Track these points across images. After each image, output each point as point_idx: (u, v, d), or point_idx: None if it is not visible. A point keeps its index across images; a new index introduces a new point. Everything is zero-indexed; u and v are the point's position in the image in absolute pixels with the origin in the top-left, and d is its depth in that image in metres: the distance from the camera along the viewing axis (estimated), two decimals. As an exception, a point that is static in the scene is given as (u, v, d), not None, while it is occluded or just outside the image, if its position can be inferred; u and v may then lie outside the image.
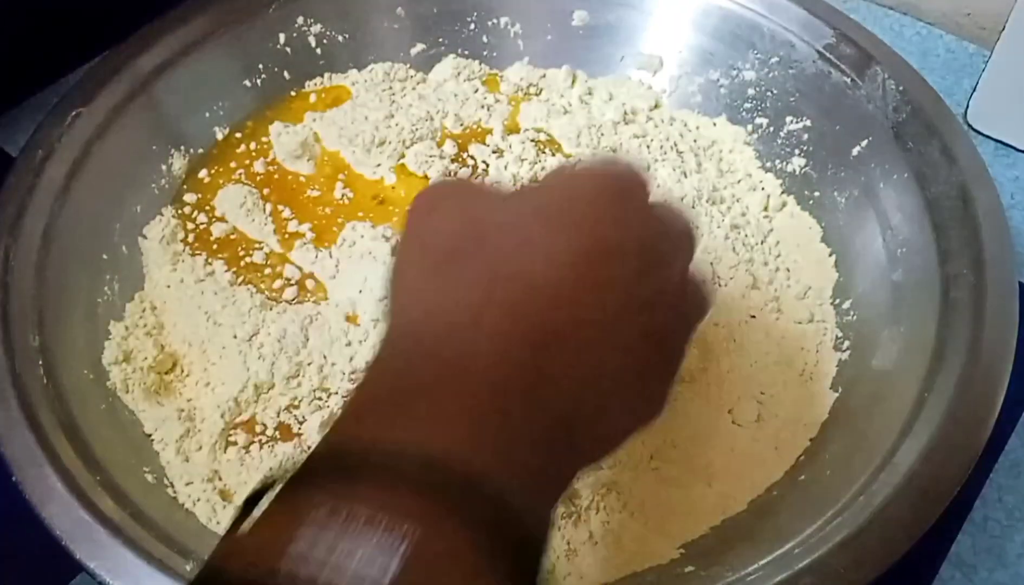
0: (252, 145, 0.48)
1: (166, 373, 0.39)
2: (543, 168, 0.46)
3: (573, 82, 0.51)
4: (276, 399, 0.38)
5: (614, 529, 0.34)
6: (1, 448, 0.32)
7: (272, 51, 0.49)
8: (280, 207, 0.45)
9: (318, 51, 0.50)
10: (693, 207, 0.44)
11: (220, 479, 0.36)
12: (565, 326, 0.22)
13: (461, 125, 0.49)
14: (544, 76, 0.51)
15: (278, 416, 0.38)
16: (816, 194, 0.45)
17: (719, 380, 0.38)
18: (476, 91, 0.50)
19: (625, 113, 0.48)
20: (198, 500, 0.35)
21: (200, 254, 0.43)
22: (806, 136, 0.46)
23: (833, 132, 0.45)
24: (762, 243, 0.43)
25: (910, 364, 0.35)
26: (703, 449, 0.37)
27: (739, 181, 0.46)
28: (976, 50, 0.54)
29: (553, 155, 0.47)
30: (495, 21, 0.51)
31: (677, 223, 0.26)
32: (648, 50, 0.50)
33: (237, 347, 0.39)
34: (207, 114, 0.47)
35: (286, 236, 0.44)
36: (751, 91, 0.48)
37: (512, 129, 0.49)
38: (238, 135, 0.48)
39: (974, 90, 0.51)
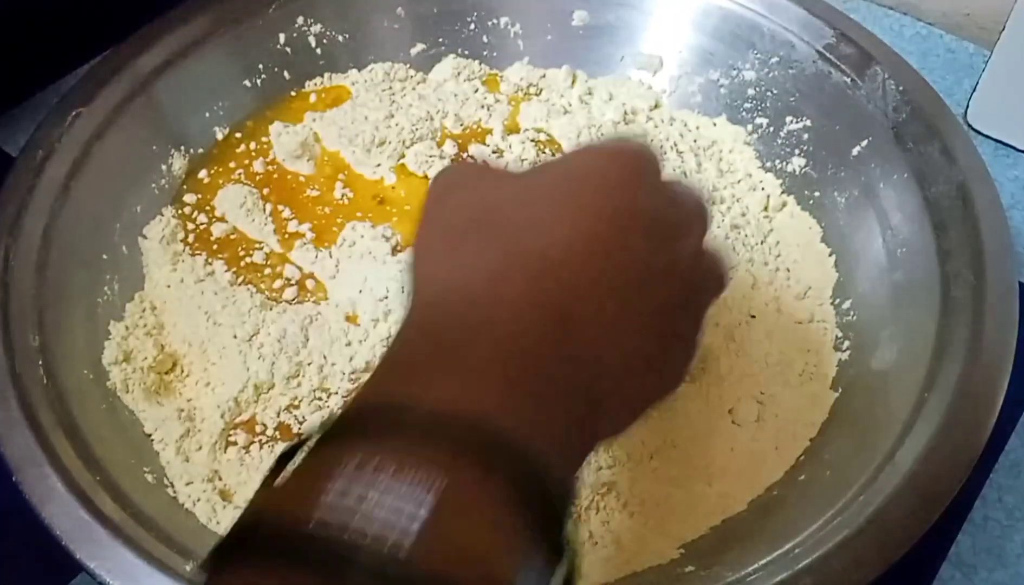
0: (252, 145, 0.48)
1: (166, 373, 0.39)
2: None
3: (573, 82, 0.51)
4: (276, 399, 0.38)
5: (614, 529, 0.34)
6: (1, 448, 0.32)
7: (272, 51, 0.49)
8: (280, 207, 0.45)
9: (318, 51, 0.50)
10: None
11: (220, 479, 0.36)
12: (582, 296, 0.23)
13: (461, 125, 0.49)
14: (544, 76, 0.51)
15: (278, 416, 0.38)
16: (816, 194, 0.45)
17: (719, 380, 0.38)
18: (476, 91, 0.50)
19: (625, 113, 0.48)
20: (198, 500, 0.35)
21: (200, 254, 0.43)
22: (806, 136, 0.46)
23: (833, 132, 0.45)
24: (762, 243, 0.44)
25: (910, 364, 0.35)
26: (703, 449, 0.37)
27: (739, 181, 0.46)
28: (976, 50, 0.54)
29: (553, 155, 0.47)
30: (495, 21, 0.51)
31: (690, 198, 0.26)
32: (648, 50, 0.50)
33: (237, 347, 0.39)
34: (207, 114, 0.47)
35: (286, 236, 0.44)
36: (751, 91, 0.48)
37: (512, 129, 0.49)
38: (238, 135, 0.48)
39: (974, 90, 0.51)
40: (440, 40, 0.51)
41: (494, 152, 0.47)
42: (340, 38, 0.50)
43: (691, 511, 0.35)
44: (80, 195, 0.41)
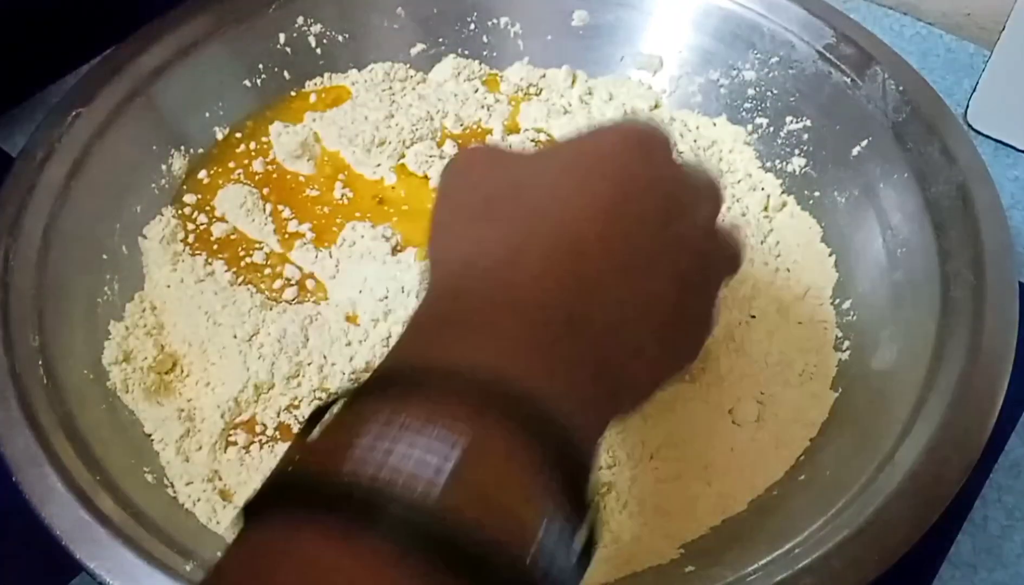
0: (252, 145, 0.48)
1: (166, 373, 0.39)
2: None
3: (573, 82, 0.51)
4: (276, 399, 0.38)
5: (614, 529, 0.34)
6: (1, 448, 0.32)
7: (272, 51, 0.49)
8: (280, 207, 0.45)
9: (318, 51, 0.50)
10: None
11: (220, 479, 0.36)
12: (599, 265, 0.23)
13: (461, 125, 0.49)
14: (544, 76, 0.51)
15: (278, 416, 0.38)
16: (816, 194, 0.45)
17: (719, 380, 0.38)
18: (476, 91, 0.50)
19: (625, 113, 0.48)
20: (198, 500, 0.35)
21: (200, 254, 0.43)
22: (806, 136, 0.46)
23: (833, 132, 0.45)
24: (762, 243, 0.43)
25: (910, 364, 0.35)
26: (703, 449, 0.37)
27: (739, 181, 0.46)
28: (976, 50, 0.54)
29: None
30: (495, 21, 0.51)
31: (701, 175, 0.27)
32: (648, 50, 0.50)
33: (237, 347, 0.39)
34: (207, 114, 0.47)
35: (286, 236, 0.44)
36: (751, 91, 0.48)
37: (512, 129, 0.49)
38: (238, 135, 0.48)
39: (974, 90, 0.51)
40: (440, 40, 0.51)
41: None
42: (340, 38, 0.50)
43: (691, 511, 0.35)
44: (80, 195, 0.41)
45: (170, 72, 0.46)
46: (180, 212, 0.45)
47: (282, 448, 0.37)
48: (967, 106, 0.51)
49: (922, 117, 0.41)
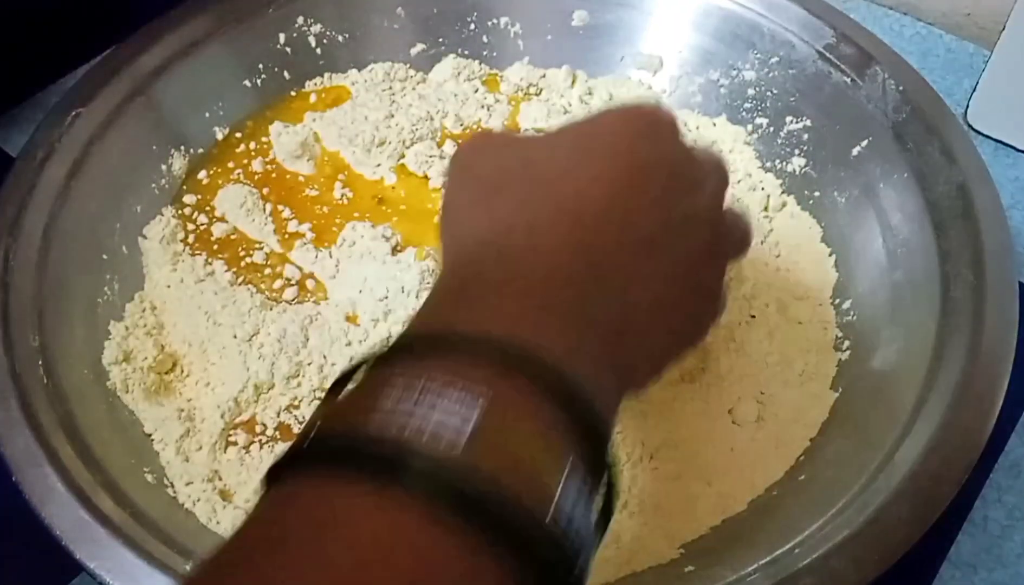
0: (252, 145, 0.48)
1: (166, 373, 0.39)
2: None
3: (573, 82, 0.51)
4: (276, 399, 0.38)
5: (614, 529, 0.34)
6: (1, 448, 0.32)
7: (272, 51, 0.49)
8: (280, 207, 0.45)
9: (318, 51, 0.50)
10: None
11: (220, 479, 0.36)
12: (611, 238, 0.24)
13: (461, 125, 0.49)
14: (544, 76, 0.51)
15: (278, 416, 0.38)
16: (816, 194, 0.45)
17: (719, 380, 0.38)
18: (476, 91, 0.50)
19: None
20: (198, 500, 0.35)
21: (200, 254, 0.43)
22: (806, 136, 0.46)
23: (833, 132, 0.45)
24: (762, 243, 0.43)
25: (910, 364, 0.35)
26: (703, 449, 0.37)
27: (739, 181, 0.46)
28: (976, 50, 0.54)
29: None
30: (495, 21, 0.51)
31: (707, 155, 0.28)
32: (648, 50, 0.50)
33: (237, 347, 0.39)
34: (207, 114, 0.47)
35: (286, 236, 0.44)
36: (751, 91, 0.48)
37: (512, 129, 0.49)
38: (238, 135, 0.48)
39: (974, 90, 0.51)
40: (440, 40, 0.51)
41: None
42: (340, 38, 0.50)
43: (691, 511, 0.35)
44: (80, 195, 0.41)
45: (170, 72, 0.46)
46: (180, 212, 0.45)
47: (282, 448, 0.37)
48: (967, 106, 0.51)
49: (922, 117, 0.41)
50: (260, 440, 0.37)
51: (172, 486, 0.36)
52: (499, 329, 0.21)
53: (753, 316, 0.40)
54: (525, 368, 0.20)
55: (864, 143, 0.43)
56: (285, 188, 0.46)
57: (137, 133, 0.44)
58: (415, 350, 0.21)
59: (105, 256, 0.41)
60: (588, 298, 0.23)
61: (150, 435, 0.37)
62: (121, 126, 0.43)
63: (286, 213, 0.45)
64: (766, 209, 0.45)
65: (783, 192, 0.46)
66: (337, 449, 0.19)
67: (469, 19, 0.51)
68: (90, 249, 0.41)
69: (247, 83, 0.49)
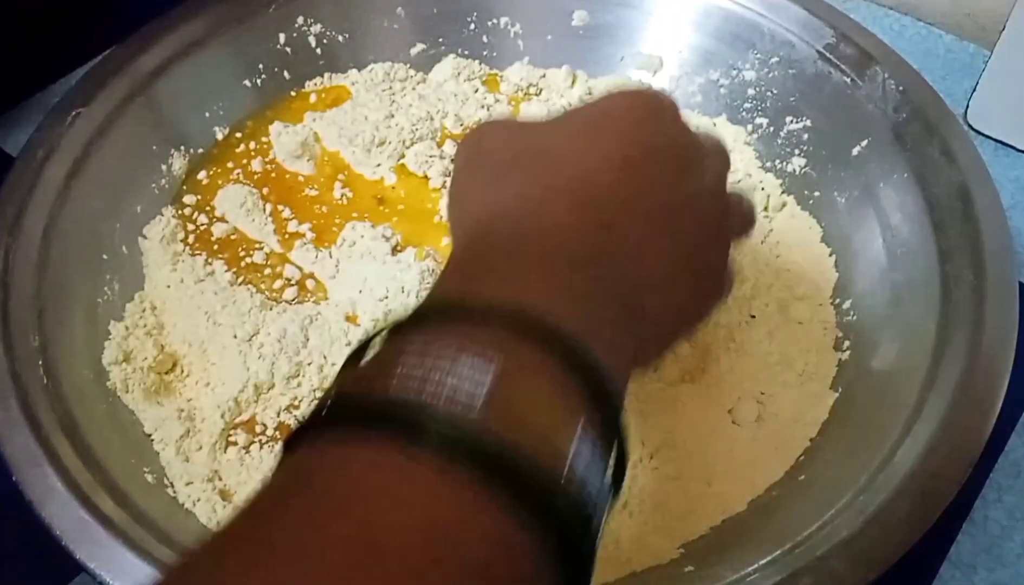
0: (252, 145, 0.48)
1: (166, 373, 0.39)
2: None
3: (573, 82, 0.51)
4: (276, 399, 0.38)
5: (614, 529, 0.34)
6: (1, 448, 0.32)
7: (272, 51, 0.49)
8: (280, 207, 0.45)
9: (318, 51, 0.50)
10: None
11: (220, 479, 0.36)
12: (618, 214, 0.24)
13: (461, 125, 0.49)
14: (544, 76, 0.51)
15: (278, 416, 0.38)
16: (816, 194, 0.45)
17: (719, 380, 0.38)
18: (476, 91, 0.50)
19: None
20: (198, 500, 0.35)
21: (200, 254, 0.43)
22: (806, 136, 0.46)
23: (833, 132, 0.45)
24: (762, 243, 0.43)
25: (910, 364, 0.35)
26: (703, 449, 0.37)
27: (739, 181, 0.46)
28: (976, 50, 0.54)
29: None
30: (495, 21, 0.51)
31: (707, 137, 0.29)
32: (648, 50, 0.50)
33: (237, 347, 0.39)
34: (207, 114, 0.47)
35: (286, 236, 0.44)
36: (751, 91, 0.48)
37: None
38: (238, 135, 0.48)
39: (974, 90, 0.51)
40: (440, 40, 0.51)
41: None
42: (340, 38, 0.50)
43: (691, 511, 0.35)
44: (80, 195, 0.41)
45: (170, 72, 0.46)
46: (180, 212, 0.45)
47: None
48: (967, 106, 0.51)
49: (922, 117, 0.41)
50: (260, 440, 0.37)
51: (172, 486, 0.36)
52: (510, 298, 0.22)
53: (753, 316, 0.40)
54: (535, 334, 0.20)
55: (864, 143, 0.43)
56: (285, 188, 0.46)
57: (137, 133, 0.44)
58: (429, 320, 0.21)
59: (105, 256, 0.41)
60: (597, 272, 0.23)
61: (150, 435, 0.37)
62: (121, 126, 0.43)
63: (286, 213, 0.45)
64: (766, 209, 0.45)
65: (783, 192, 0.46)
66: (356, 412, 0.19)
67: (469, 19, 0.51)
68: (90, 249, 0.41)
69: (247, 83, 0.49)
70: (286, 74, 0.50)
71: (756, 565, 0.30)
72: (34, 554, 0.33)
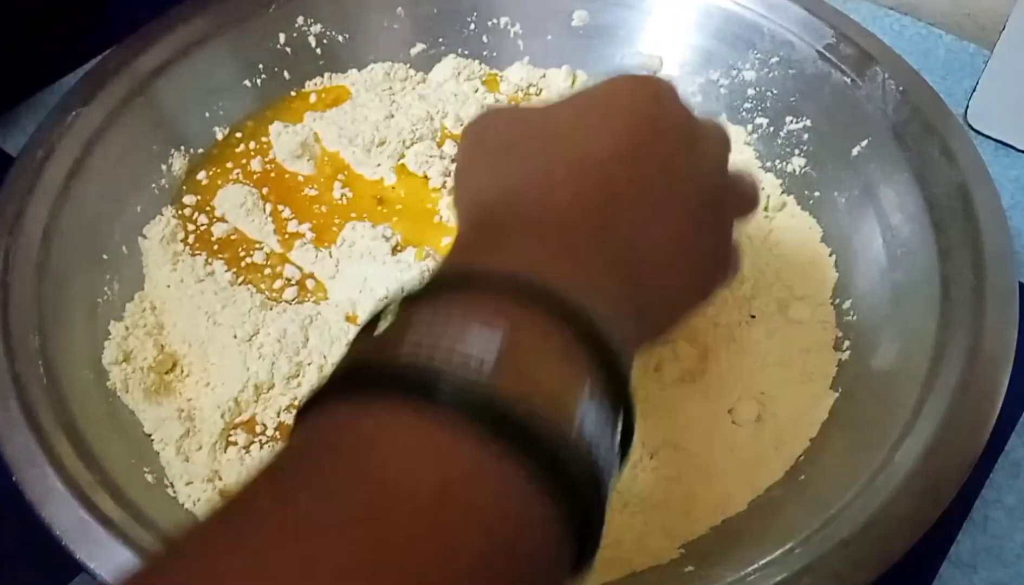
0: (252, 145, 0.48)
1: (166, 373, 0.39)
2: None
3: (573, 82, 0.51)
4: (276, 399, 0.38)
5: (614, 529, 0.34)
6: (1, 448, 0.32)
7: (272, 51, 0.49)
8: (280, 207, 0.45)
9: (318, 51, 0.50)
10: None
11: (220, 479, 0.36)
12: (623, 193, 0.25)
13: (461, 125, 0.49)
14: (544, 76, 0.51)
15: (278, 416, 0.38)
16: (816, 194, 0.45)
17: (719, 380, 0.38)
18: (476, 91, 0.50)
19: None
20: (198, 500, 0.35)
21: (200, 254, 0.43)
22: (806, 136, 0.46)
23: (833, 132, 0.45)
24: (762, 243, 0.43)
25: (910, 364, 0.35)
26: (703, 449, 0.37)
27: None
28: (976, 50, 0.54)
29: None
30: (495, 21, 0.51)
31: (708, 120, 0.29)
32: (648, 50, 0.50)
33: (237, 347, 0.39)
34: (207, 114, 0.47)
35: (286, 236, 0.44)
36: (751, 91, 0.48)
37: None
38: (238, 135, 0.48)
39: (974, 90, 0.51)
40: (440, 40, 0.51)
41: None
42: (340, 38, 0.50)
43: (691, 511, 0.35)
44: (80, 195, 0.41)
45: (170, 72, 0.46)
46: (180, 212, 0.45)
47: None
48: (967, 106, 0.51)
49: (922, 117, 0.41)
50: (260, 440, 0.37)
51: (172, 486, 0.36)
52: (517, 267, 0.22)
53: (753, 316, 0.40)
54: (541, 302, 0.21)
55: (864, 143, 0.43)
56: (285, 188, 0.46)
57: (137, 133, 0.44)
58: (437, 291, 0.22)
59: (105, 256, 0.41)
60: (603, 245, 0.24)
61: (150, 435, 0.37)
62: (121, 126, 0.43)
63: (286, 213, 0.45)
64: (766, 209, 0.45)
65: (783, 192, 0.46)
66: (369, 377, 0.20)
67: (469, 19, 0.51)
68: (90, 249, 0.41)
69: (247, 83, 0.49)
70: (286, 74, 0.50)
71: (756, 565, 0.30)
72: (34, 554, 0.33)
